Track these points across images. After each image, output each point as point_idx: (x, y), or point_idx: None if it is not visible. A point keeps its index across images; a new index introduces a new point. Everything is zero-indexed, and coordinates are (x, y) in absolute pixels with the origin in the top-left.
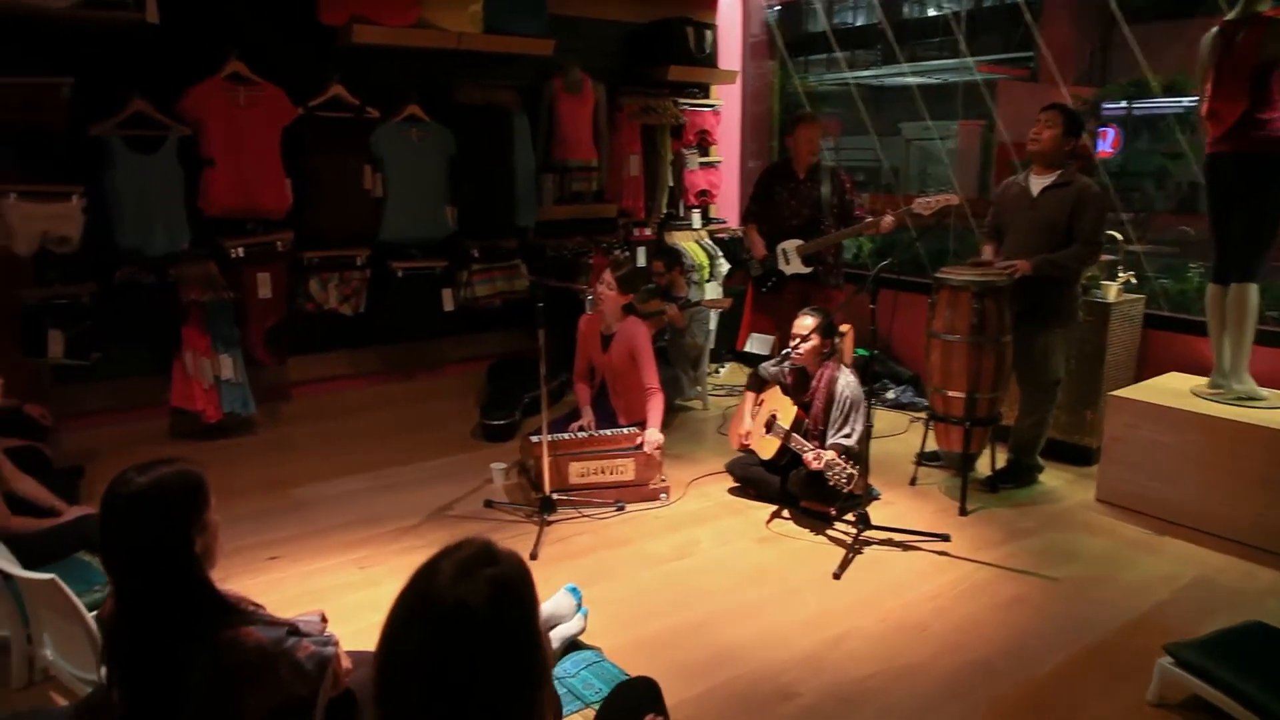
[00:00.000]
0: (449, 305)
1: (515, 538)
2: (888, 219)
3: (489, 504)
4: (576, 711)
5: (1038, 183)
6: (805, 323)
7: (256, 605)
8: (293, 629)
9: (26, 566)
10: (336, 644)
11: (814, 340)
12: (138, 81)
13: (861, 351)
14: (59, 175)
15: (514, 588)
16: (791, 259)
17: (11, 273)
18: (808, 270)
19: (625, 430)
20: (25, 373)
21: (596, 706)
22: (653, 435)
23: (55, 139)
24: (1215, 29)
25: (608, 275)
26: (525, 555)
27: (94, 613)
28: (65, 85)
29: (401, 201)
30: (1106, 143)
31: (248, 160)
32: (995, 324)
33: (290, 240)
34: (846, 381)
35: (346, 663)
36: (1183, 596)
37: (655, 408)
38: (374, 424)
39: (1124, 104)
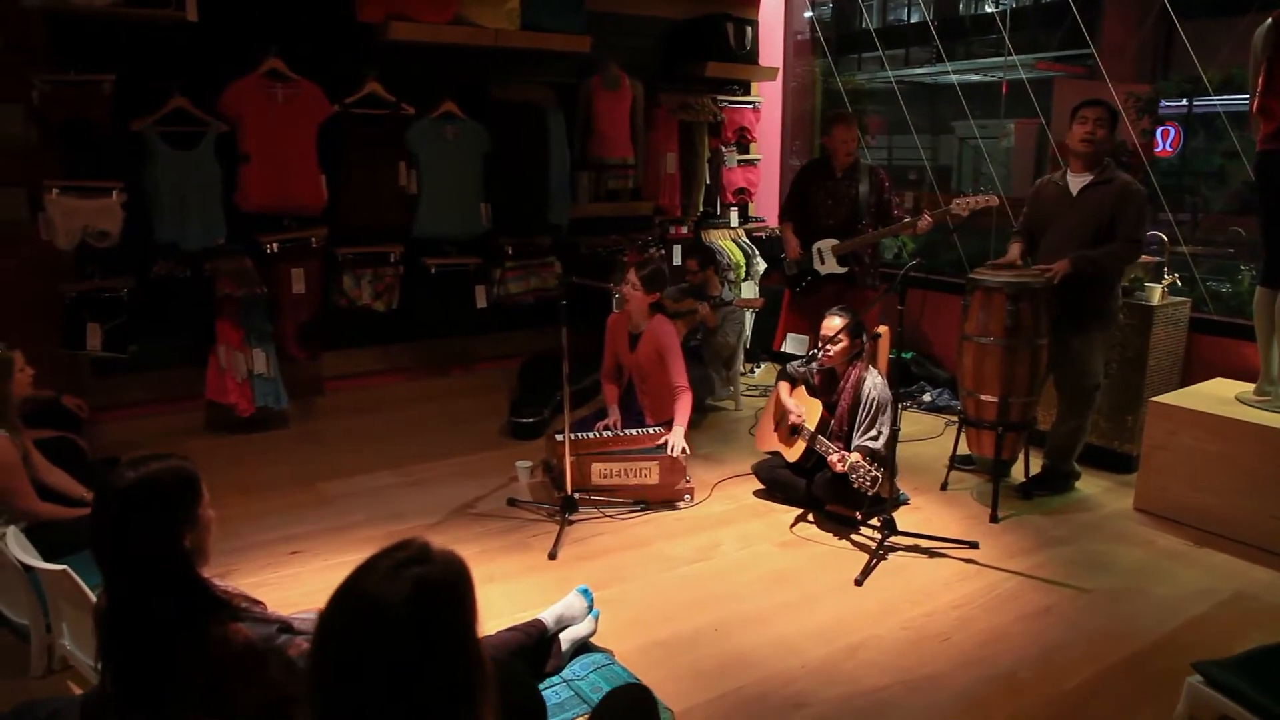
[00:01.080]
0: (482, 302)
1: (535, 536)
2: (925, 219)
3: (512, 502)
4: (582, 715)
5: (1076, 181)
6: (833, 323)
7: (253, 602)
8: (285, 626)
9: (52, 556)
10: None
11: (843, 341)
12: (177, 79)
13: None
14: (100, 171)
15: (440, 589)
16: (827, 258)
17: (52, 266)
18: (843, 270)
19: (651, 430)
20: (64, 364)
21: None
22: (677, 438)
23: (97, 135)
24: (1268, 21)
25: (632, 275)
26: (543, 554)
27: None
28: (107, 82)
29: (436, 198)
30: (1167, 141)
31: (284, 156)
32: (1030, 326)
33: (325, 236)
34: (874, 383)
35: None
36: (1220, 612)
37: (683, 406)
38: (404, 420)
39: (1183, 101)
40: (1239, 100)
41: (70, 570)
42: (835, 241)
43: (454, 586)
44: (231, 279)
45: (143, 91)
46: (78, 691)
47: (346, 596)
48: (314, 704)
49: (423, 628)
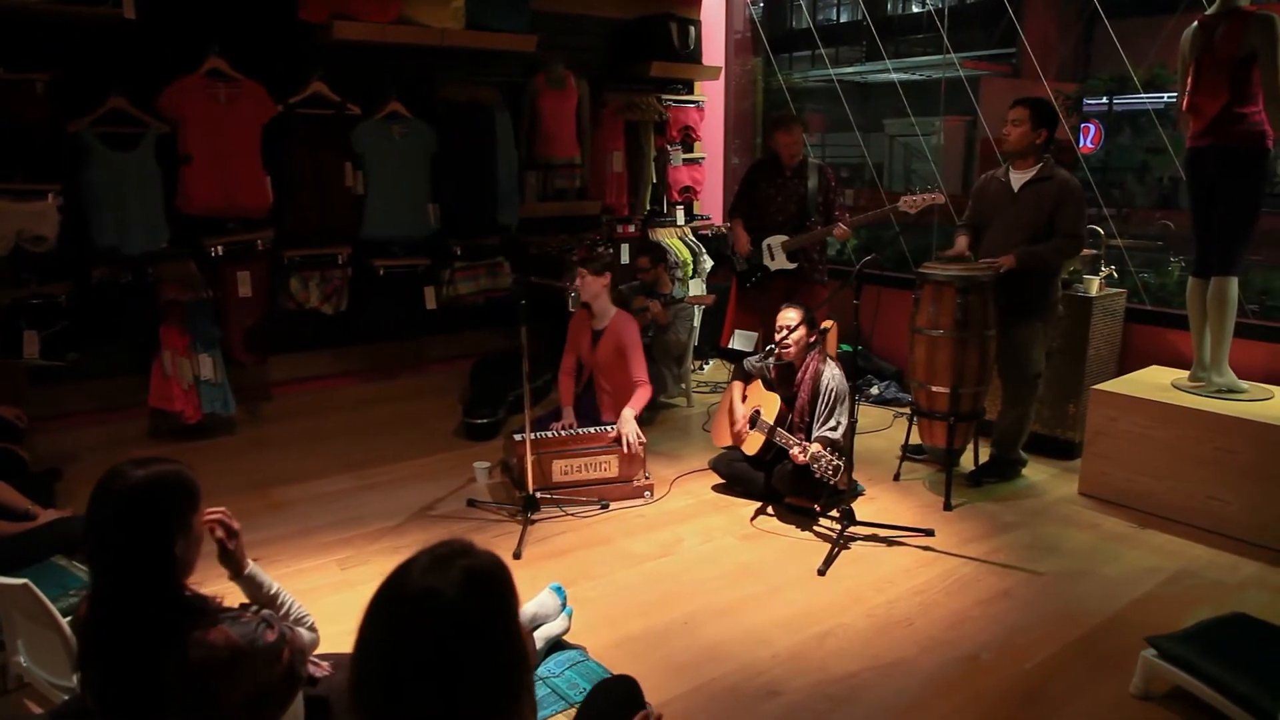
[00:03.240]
0: (431, 304)
1: (498, 537)
2: (840, 228)
3: (472, 503)
4: (560, 712)
5: (1018, 178)
6: (789, 315)
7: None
8: (262, 620)
9: None
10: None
11: (799, 333)
12: (115, 78)
13: (845, 348)
14: (35, 173)
15: (489, 578)
16: (776, 254)
17: None
18: (792, 266)
19: (608, 428)
20: (1, 374)
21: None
22: (627, 421)
23: (31, 136)
24: (1195, 23)
25: (579, 269)
26: (508, 555)
27: (69, 618)
28: (41, 81)
29: (383, 199)
30: (1088, 139)
31: (227, 158)
32: (979, 319)
33: (270, 238)
34: (831, 374)
35: (302, 644)
36: (1166, 589)
37: (639, 399)
38: (356, 423)
39: (1104, 100)
40: (1155, 98)
41: (32, 584)
42: (785, 238)
43: (502, 576)
44: (176, 283)
45: (79, 91)
46: (37, 710)
47: (393, 593)
48: (356, 698)
49: (474, 614)
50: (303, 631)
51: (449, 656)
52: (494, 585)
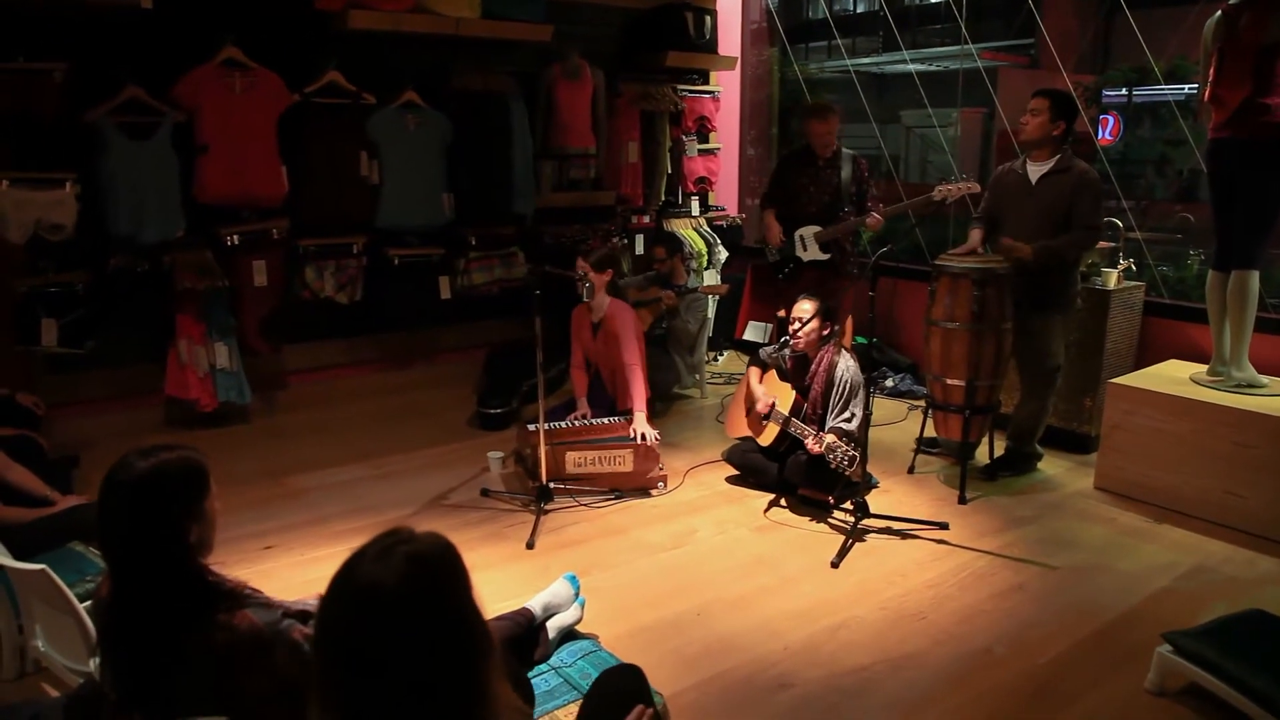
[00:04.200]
0: (446, 293)
1: (511, 527)
2: (873, 217)
3: (485, 493)
4: (573, 701)
5: (1035, 170)
6: (804, 307)
7: (255, 590)
8: (288, 611)
9: (18, 557)
10: None
11: (814, 324)
12: (132, 67)
13: (860, 340)
14: (52, 162)
15: (430, 563)
16: (809, 245)
17: (4, 261)
18: (825, 256)
19: (623, 419)
20: (18, 361)
21: None
22: (640, 424)
23: (49, 125)
24: (1219, 13)
25: (580, 261)
26: (522, 544)
27: (86, 603)
28: (58, 71)
29: (398, 189)
30: (1106, 130)
31: (243, 147)
32: (995, 311)
33: (286, 228)
34: (846, 365)
35: None
36: (1182, 585)
37: (636, 384)
38: (370, 412)
39: (1124, 91)
40: (1176, 90)
41: (49, 570)
42: (818, 228)
43: (444, 558)
44: (192, 272)
45: (96, 80)
46: (54, 694)
47: (342, 587)
48: (322, 696)
49: (422, 602)
50: None
51: (402, 644)
52: (438, 568)
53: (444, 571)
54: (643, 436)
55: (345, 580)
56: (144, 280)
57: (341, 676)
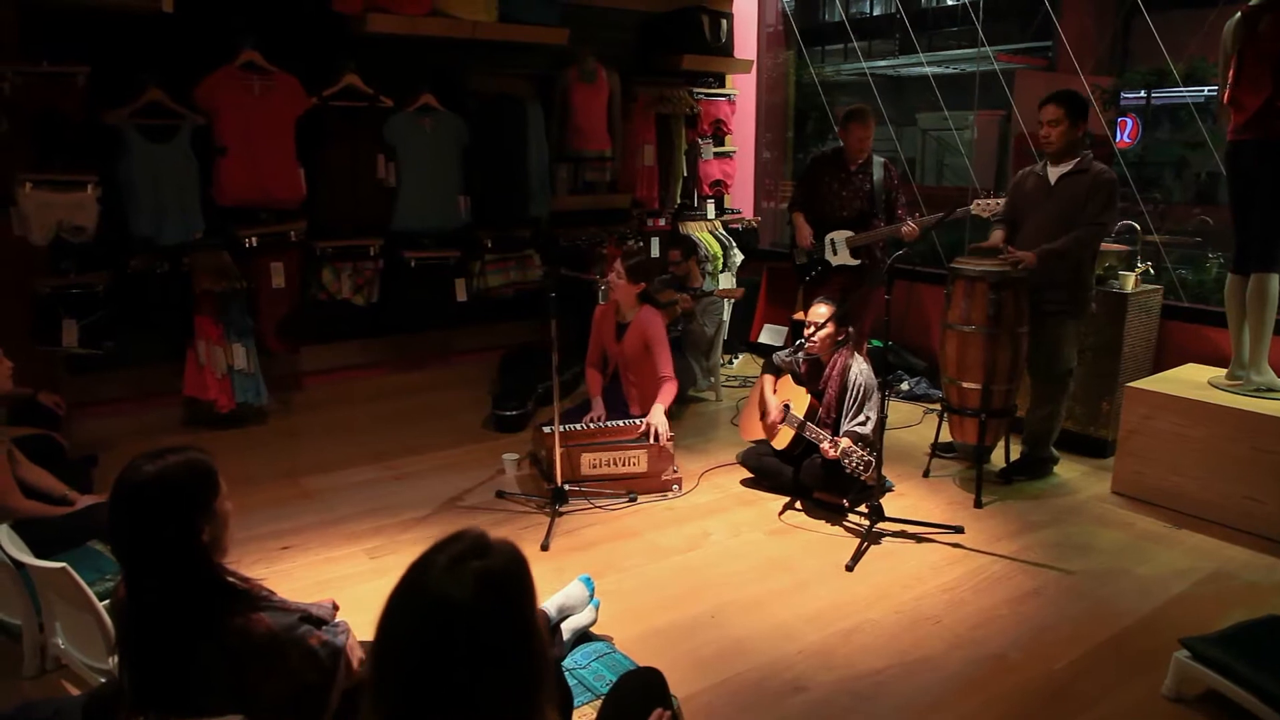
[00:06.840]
0: (462, 295)
1: (526, 529)
2: (909, 226)
3: (500, 495)
4: (587, 703)
5: (1055, 171)
6: (819, 311)
7: (271, 592)
8: (305, 615)
9: (38, 555)
10: (349, 632)
11: (829, 328)
12: (153, 70)
13: (875, 343)
14: (74, 164)
15: (503, 581)
16: (840, 250)
17: (26, 261)
18: (855, 263)
19: (637, 421)
20: (39, 362)
21: None
22: (657, 415)
23: (71, 127)
24: (1238, 15)
25: (618, 264)
26: (536, 546)
27: (105, 601)
28: (81, 74)
29: (415, 191)
30: (1125, 133)
31: (261, 149)
32: (1012, 315)
33: (303, 230)
34: (860, 369)
35: (360, 652)
36: (1200, 590)
37: (667, 393)
38: (386, 414)
39: (1142, 94)
40: (1195, 92)
41: (69, 568)
42: (850, 233)
43: (516, 578)
44: (210, 273)
45: (117, 83)
46: (74, 692)
47: (409, 593)
48: (375, 695)
49: (488, 620)
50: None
51: (466, 660)
52: (509, 586)
53: (514, 589)
54: (655, 433)
55: (413, 587)
56: (163, 281)
57: (398, 681)
